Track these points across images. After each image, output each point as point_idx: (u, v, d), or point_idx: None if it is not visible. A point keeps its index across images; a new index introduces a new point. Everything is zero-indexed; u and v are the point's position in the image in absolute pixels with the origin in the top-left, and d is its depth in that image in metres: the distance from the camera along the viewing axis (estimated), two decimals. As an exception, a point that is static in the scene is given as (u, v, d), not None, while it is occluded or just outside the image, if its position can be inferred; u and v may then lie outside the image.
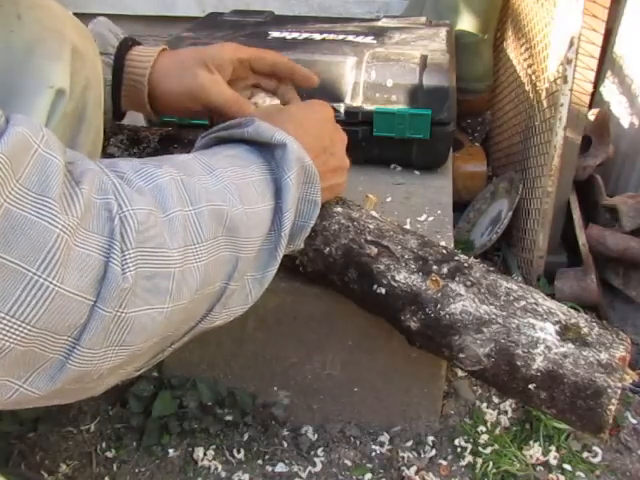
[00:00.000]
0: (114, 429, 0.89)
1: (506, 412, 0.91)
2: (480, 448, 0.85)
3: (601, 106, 1.32)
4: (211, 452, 0.87)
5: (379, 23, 1.24)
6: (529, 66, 1.23)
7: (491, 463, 0.83)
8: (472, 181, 1.36)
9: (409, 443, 0.87)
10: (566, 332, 0.62)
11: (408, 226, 0.85)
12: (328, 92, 0.96)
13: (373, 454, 0.86)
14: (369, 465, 0.85)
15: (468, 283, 0.66)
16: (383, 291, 0.68)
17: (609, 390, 0.60)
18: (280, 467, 0.85)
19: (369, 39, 1.09)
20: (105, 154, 0.79)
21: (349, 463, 0.85)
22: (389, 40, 1.09)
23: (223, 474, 0.85)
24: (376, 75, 0.96)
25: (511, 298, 0.65)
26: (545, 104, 1.10)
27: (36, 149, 0.37)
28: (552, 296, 1.01)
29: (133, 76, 0.71)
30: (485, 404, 0.92)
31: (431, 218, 0.89)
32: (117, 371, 0.45)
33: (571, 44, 0.98)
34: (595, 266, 1.13)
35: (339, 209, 0.72)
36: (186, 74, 0.71)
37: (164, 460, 0.86)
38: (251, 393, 0.89)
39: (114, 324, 0.40)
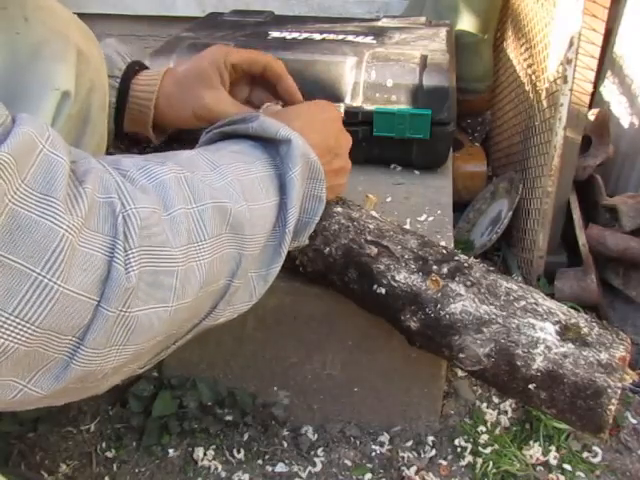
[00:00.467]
0: (114, 429, 0.89)
1: (506, 412, 0.91)
2: (480, 448, 0.85)
3: (601, 106, 1.32)
4: (211, 452, 0.87)
5: (379, 23, 1.24)
6: (529, 66, 1.23)
7: (491, 463, 0.83)
8: (472, 181, 1.36)
9: (409, 443, 0.87)
10: (566, 332, 0.62)
11: (408, 226, 0.85)
12: (328, 92, 0.96)
13: (373, 454, 0.86)
14: (369, 465, 0.85)
15: (468, 283, 0.66)
16: (383, 291, 0.68)
17: (609, 390, 0.60)
18: (280, 467, 0.85)
19: (369, 39, 1.09)
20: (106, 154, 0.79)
21: (349, 463, 0.85)
22: (389, 40, 1.09)
23: (223, 474, 0.85)
24: (376, 75, 0.96)
25: (511, 298, 0.65)
26: (545, 104, 1.10)
27: (41, 149, 0.37)
28: (552, 296, 1.02)
29: (138, 100, 0.72)
30: (485, 404, 0.92)
31: (431, 218, 0.89)
32: (121, 370, 0.45)
33: (571, 44, 0.98)
34: (595, 266, 1.12)
35: (339, 209, 0.72)
36: (190, 97, 0.72)
37: (164, 460, 0.86)
38: (251, 393, 0.89)
39: (118, 324, 0.40)
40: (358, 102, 0.97)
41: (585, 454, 0.85)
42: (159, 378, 0.88)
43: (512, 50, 1.37)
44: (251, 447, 0.88)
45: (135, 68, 0.73)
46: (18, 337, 0.36)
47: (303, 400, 0.89)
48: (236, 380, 0.89)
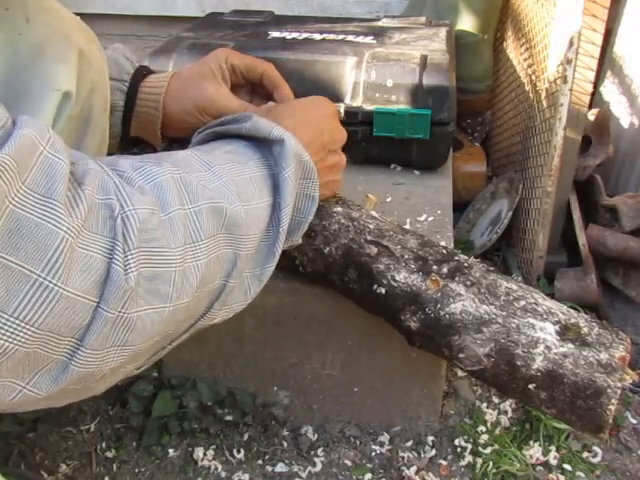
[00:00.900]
0: (114, 429, 0.89)
1: (506, 412, 0.91)
2: (480, 448, 0.85)
3: (601, 106, 1.32)
4: (211, 452, 0.87)
5: (379, 23, 1.24)
6: (529, 66, 1.23)
7: (491, 463, 0.83)
8: (472, 181, 1.36)
9: (409, 443, 0.87)
10: (566, 332, 0.62)
11: (408, 226, 0.85)
12: (328, 92, 0.96)
13: (373, 454, 0.86)
14: (369, 465, 0.85)
15: (468, 283, 0.66)
16: (383, 291, 0.68)
17: (609, 390, 0.60)
18: (280, 467, 0.85)
19: (369, 39, 1.09)
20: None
21: (349, 463, 0.85)
22: (389, 40, 1.09)
23: (223, 474, 0.85)
24: (376, 75, 0.96)
25: (511, 298, 0.65)
26: (545, 104, 1.10)
27: (42, 151, 0.37)
28: (552, 296, 1.02)
29: (147, 102, 0.72)
30: (485, 404, 0.92)
31: (431, 218, 0.89)
32: (119, 370, 0.45)
33: (571, 44, 0.98)
34: (595, 266, 1.12)
35: (339, 209, 0.72)
36: (194, 90, 0.72)
37: (164, 460, 0.86)
38: (251, 393, 0.89)
39: (117, 325, 0.40)
40: (358, 102, 0.97)
41: (585, 454, 0.85)
42: (159, 378, 0.88)
43: (512, 50, 1.37)
44: (251, 447, 0.88)
45: (143, 72, 0.73)
46: (18, 338, 0.37)
47: (303, 400, 0.89)
48: (236, 380, 0.89)
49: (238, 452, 0.87)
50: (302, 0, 1.70)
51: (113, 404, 0.91)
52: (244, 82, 0.78)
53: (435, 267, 0.67)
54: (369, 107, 0.96)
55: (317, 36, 1.11)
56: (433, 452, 0.86)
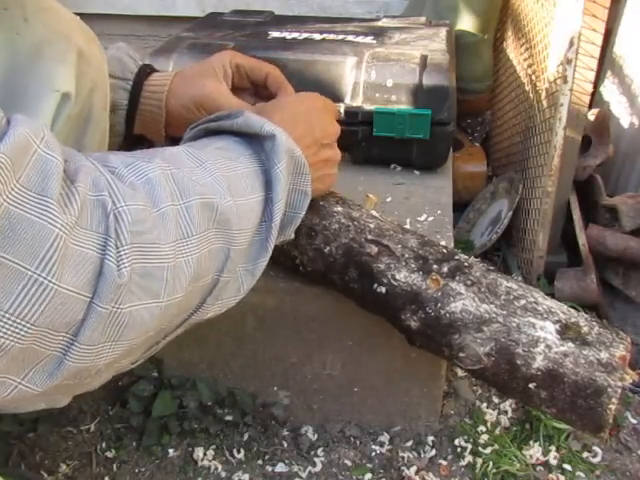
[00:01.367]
0: (114, 429, 0.89)
1: (506, 412, 0.91)
2: (480, 448, 0.85)
3: (601, 106, 1.32)
4: (211, 452, 0.87)
5: (379, 23, 1.24)
6: (529, 66, 1.23)
7: (491, 463, 0.83)
8: (472, 181, 1.36)
9: (409, 443, 0.87)
10: (566, 331, 0.62)
11: (408, 226, 0.85)
12: (328, 92, 0.96)
13: (373, 454, 0.86)
14: (369, 465, 0.85)
15: (468, 282, 0.66)
16: (383, 290, 0.68)
17: (609, 389, 0.60)
18: (280, 467, 0.85)
19: (369, 39, 1.09)
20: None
21: (349, 463, 0.85)
22: (389, 40, 1.09)
23: (223, 474, 0.85)
24: (376, 75, 0.96)
25: (511, 297, 0.65)
26: (545, 104, 1.10)
27: (36, 149, 0.38)
28: (552, 296, 1.01)
29: (150, 101, 0.73)
30: (485, 404, 0.92)
31: (431, 218, 0.89)
32: (113, 365, 0.45)
33: (571, 44, 0.98)
34: (595, 266, 1.12)
35: (339, 208, 0.72)
36: (194, 86, 0.73)
37: (164, 460, 0.86)
38: (251, 393, 0.89)
39: (111, 320, 0.41)
40: (358, 102, 0.97)
41: (585, 454, 0.85)
42: (159, 378, 0.88)
43: (512, 50, 1.37)
44: (251, 447, 0.87)
45: (147, 71, 0.74)
46: (14, 335, 0.37)
47: (303, 400, 0.89)
48: (236, 380, 0.89)
49: (238, 452, 0.87)
50: (302, 0, 1.70)
51: (113, 404, 0.91)
52: (248, 84, 0.78)
53: (435, 266, 0.67)
54: (369, 107, 0.96)
55: (317, 36, 1.11)
56: (433, 452, 0.86)
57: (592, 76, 1.06)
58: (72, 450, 0.87)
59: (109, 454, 0.87)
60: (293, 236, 0.62)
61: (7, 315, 0.36)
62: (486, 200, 1.33)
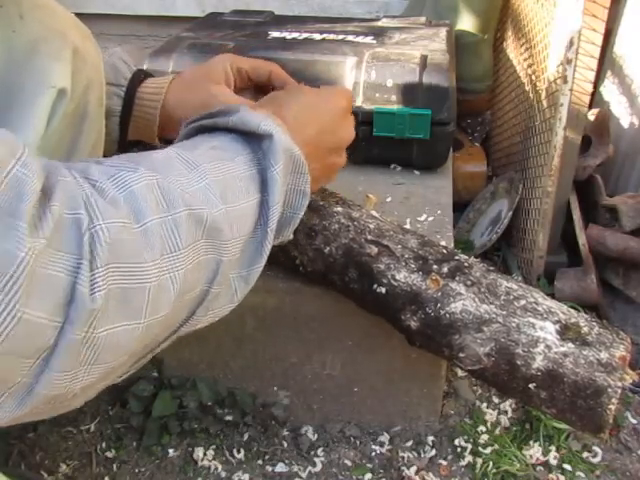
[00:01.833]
0: (114, 429, 0.89)
1: (506, 412, 0.91)
2: (480, 448, 0.85)
3: (601, 106, 1.32)
4: (211, 452, 0.87)
5: (379, 23, 1.24)
6: (529, 66, 1.23)
7: (491, 463, 0.83)
8: (472, 181, 1.36)
9: (409, 443, 0.87)
10: (566, 331, 0.62)
11: (408, 226, 0.85)
12: (328, 92, 0.96)
13: (373, 454, 0.86)
14: (369, 465, 0.85)
15: (468, 282, 0.66)
16: (383, 290, 0.68)
17: (609, 389, 0.60)
18: (280, 467, 0.85)
19: (369, 39, 1.09)
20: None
21: (349, 463, 0.85)
22: (389, 40, 1.09)
23: (223, 474, 0.85)
24: (376, 75, 0.96)
25: (511, 297, 0.65)
26: (545, 104, 1.10)
27: (11, 169, 0.36)
28: (552, 296, 1.01)
29: (144, 108, 0.72)
30: (485, 404, 0.92)
31: (431, 218, 0.89)
32: (94, 386, 0.43)
33: (571, 44, 0.98)
34: (595, 266, 1.12)
35: (339, 209, 0.72)
36: (197, 90, 0.72)
37: (164, 460, 0.86)
38: (251, 393, 0.89)
39: (85, 345, 0.38)
40: (358, 102, 0.97)
41: (585, 454, 0.85)
42: (159, 378, 0.88)
43: (512, 50, 1.37)
44: (251, 447, 0.88)
45: (140, 76, 0.73)
46: None
47: (303, 400, 0.89)
48: (236, 380, 0.89)
49: (238, 452, 0.87)
50: (302, 0, 1.70)
51: (113, 404, 0.91)
52: (249, 84, 0.77)
53: (435, 267, 0.67)
54: (369, 107, 0.96)
55: (317, 36, 1.11)
56: (433, 452, 0.86)
57: (592, 76, 1.06)
58: (72, 450, 0.87)
59: (109, 454, 0.87)
60: (292, 236, 0.61)
61: None
62: (486, 200, 1.33)
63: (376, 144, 0.99)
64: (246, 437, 0.88)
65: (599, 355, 0.61)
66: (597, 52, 1.04)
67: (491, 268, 0.69)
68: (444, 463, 0.85)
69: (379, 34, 1.12)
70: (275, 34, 1.12)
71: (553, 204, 1.10)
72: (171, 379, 0.87)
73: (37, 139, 0.51)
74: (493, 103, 1.50)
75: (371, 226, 0.70)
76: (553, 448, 0.85)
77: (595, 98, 1.33)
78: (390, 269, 0.67)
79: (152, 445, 0.87)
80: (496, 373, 0.65)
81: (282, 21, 1.24)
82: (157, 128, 0.73)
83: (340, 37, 1.10)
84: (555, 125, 1.04)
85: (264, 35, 1.12)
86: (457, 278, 0.66)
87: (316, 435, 0.89)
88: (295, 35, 1.11)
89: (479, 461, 0.84)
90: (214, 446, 0.87)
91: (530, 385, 0.63)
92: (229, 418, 0.88)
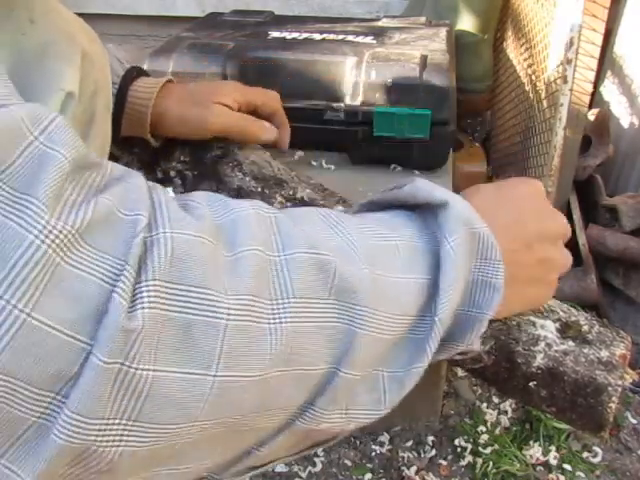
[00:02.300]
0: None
1: (506, 412, 0.91)
2: (480, 448, 0.85)
3: (601, 106, 1.32)
4: (211, 452, 0.86)
5: (379, 23, 1.24)
6: (529, 66, 1.23)
7: (491, 463, 0.83)
8: (472, 181, 1.36)
9: (409, 443, 0.87)
10: (566, 330, 0.62)
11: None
12: (328, 92, 0.96)
13: (373, 454, 0.86)
14: (369, 465, 0.85)
15: (468, 282, 0.66)
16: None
17: (609, 388, 0.60)
18: (280, 467, 0.85)
19: (369, 39, 1.09)
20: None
21: (349, 463, 0.85)
22: (389, 40, 1.09)
23: (223, 474, 0.84)
24: (376, 75, 0.96)
25: (511, 297, 0.65)
26: (545, 104, 1.10)
27: (32, 141, 0.29)
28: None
29: (136, 106, 0.72)
30: (485, 404, 0.92)
31: (431, 217, 0.88)
32: (151, 468, 0.32)
33: (571, 44, 0.98)
34: (595, 266, 1.12)
35: (340, 208, 0.72)
36: (200, 102, 0.72)
37: (164, 460, 0.86)
38: (251, 393, 0.88)
39: (120, 383, 0.28)
40: (358, 102, 0.97)
41: (585, 454, 0.85)
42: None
43: (512, 50, 1.38)
44: (251, 447, 0.87)
45: (133, 74, 0.73)
46: None
47: (303, 400, 0.89)
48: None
49: (238, 452, 0.86)
50: (302, 0, 1.70)
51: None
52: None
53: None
54: (369, 107, 0.96)
55: (317, 36, 1.11)
56: (433, 452, 0.86)
57: (592, 76, 1.06)
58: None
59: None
60: (478, 348, 0.48)
61: None
62: (486, 200, 1.33)
63: (376, 144, 0.99)
64: (246, 437, 0.88)
65: (599, 353, 0.61)
66: (597, 52, 1.04)
67: (491, 267, 0.69)
68: (444, 463, 0.85)
69: (379, 34, 1.12)
70: (275, 34, 1.12)
71: (553, 204, 1.10)
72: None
73: None
74: (493, 103, 1.50)
75: (371, 225, 0.70)
76: (553, 448, 0.85)
77: (595, 98, 1.33)
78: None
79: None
80: (496, 372, 0.65)
81: (282, 21, 1.24)
82: (149, 125, 0.74)
83: (340, 37, 1.10)
84: (555, 125, 1.04)
85: (264, 35, 1.12)
86: (457, 277, 0.66)
87: (316, 435, 0.89)
88: (295, 35, 1.11)
89: (479, 461, 0.84)
90: (214, 446, 0.87)
91: (530, 383, 0.63)
92: (229, 418, 0.88)
